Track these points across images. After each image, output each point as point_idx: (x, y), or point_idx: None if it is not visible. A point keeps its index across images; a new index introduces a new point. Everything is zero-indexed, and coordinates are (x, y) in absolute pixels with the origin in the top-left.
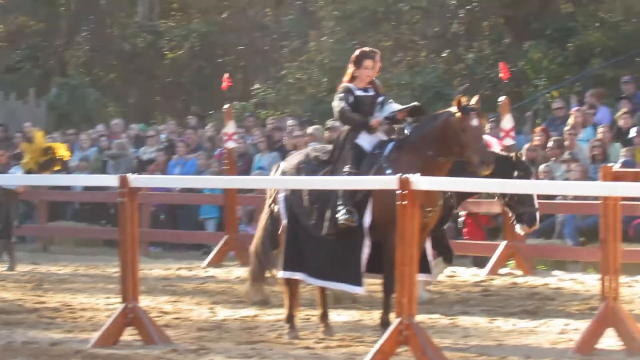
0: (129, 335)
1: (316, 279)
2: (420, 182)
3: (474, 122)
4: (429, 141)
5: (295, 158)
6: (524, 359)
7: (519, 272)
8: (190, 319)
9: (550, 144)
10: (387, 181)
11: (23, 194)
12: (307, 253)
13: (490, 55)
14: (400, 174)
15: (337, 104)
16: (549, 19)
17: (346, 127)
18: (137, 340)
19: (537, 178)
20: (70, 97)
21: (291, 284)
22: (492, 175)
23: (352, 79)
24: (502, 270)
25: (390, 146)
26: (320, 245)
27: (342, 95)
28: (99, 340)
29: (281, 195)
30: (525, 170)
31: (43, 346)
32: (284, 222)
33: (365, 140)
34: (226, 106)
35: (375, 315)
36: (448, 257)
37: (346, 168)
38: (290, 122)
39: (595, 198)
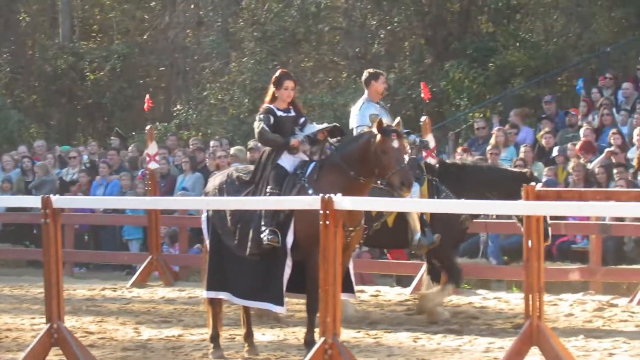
0: (54, 355)
1: (240, 299)
2: (343, 202)
3: (395, 143)
4: (351, 162)
5: (217, 178)
6: None
7: None
8: (115, 339)
9: None
10: (310, 201)
11: None
12: (231, 273)
13: (411, 76)
14: (323, 194)
15: (257, 125)
16: (470, 39)
17: (267, 148)
18: None
19: None
20: None
21: (215, 304)
22: (508, 193)
23: (273, 99)
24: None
25: (311, 166)
26: (243, 265)
27: (262, 116)
28: None
29: (204, 216)
30: None
31: None
32: (207, 242)
33: (287, 161)
34: (148, 127)
35: (300, 335)
36: (455, 280)
37: (268, 188)
38: (212, 142)
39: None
